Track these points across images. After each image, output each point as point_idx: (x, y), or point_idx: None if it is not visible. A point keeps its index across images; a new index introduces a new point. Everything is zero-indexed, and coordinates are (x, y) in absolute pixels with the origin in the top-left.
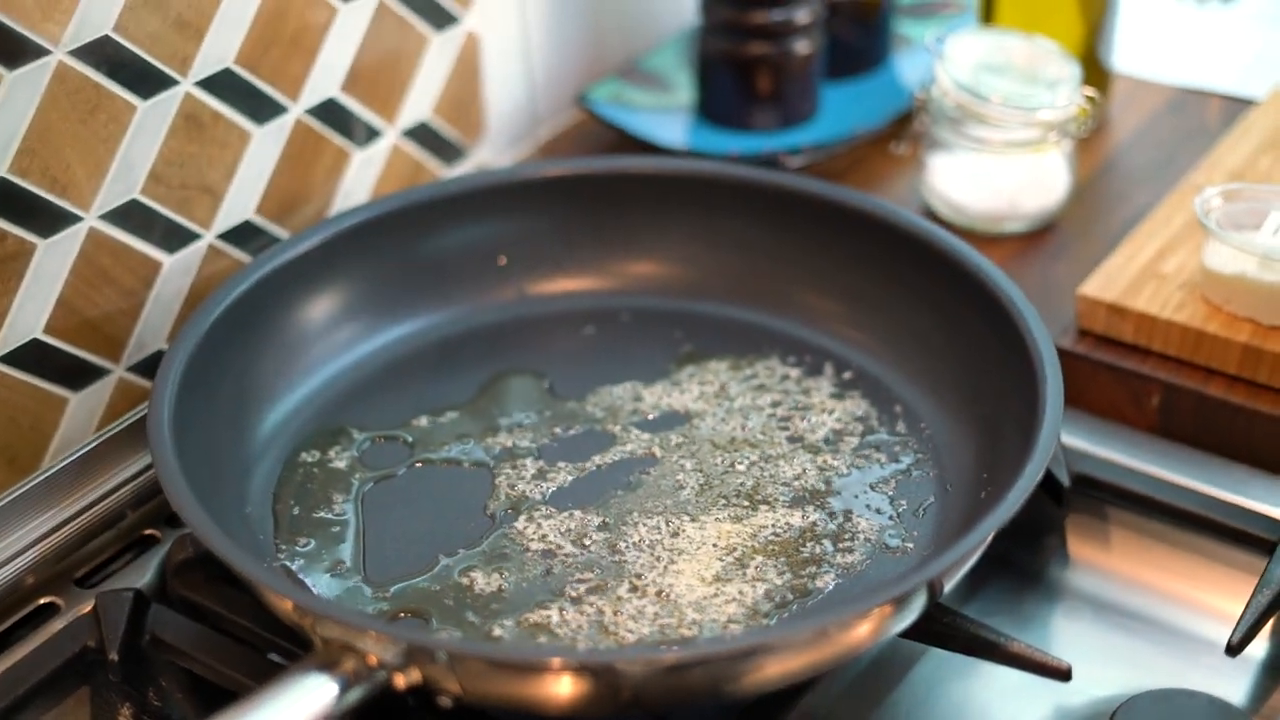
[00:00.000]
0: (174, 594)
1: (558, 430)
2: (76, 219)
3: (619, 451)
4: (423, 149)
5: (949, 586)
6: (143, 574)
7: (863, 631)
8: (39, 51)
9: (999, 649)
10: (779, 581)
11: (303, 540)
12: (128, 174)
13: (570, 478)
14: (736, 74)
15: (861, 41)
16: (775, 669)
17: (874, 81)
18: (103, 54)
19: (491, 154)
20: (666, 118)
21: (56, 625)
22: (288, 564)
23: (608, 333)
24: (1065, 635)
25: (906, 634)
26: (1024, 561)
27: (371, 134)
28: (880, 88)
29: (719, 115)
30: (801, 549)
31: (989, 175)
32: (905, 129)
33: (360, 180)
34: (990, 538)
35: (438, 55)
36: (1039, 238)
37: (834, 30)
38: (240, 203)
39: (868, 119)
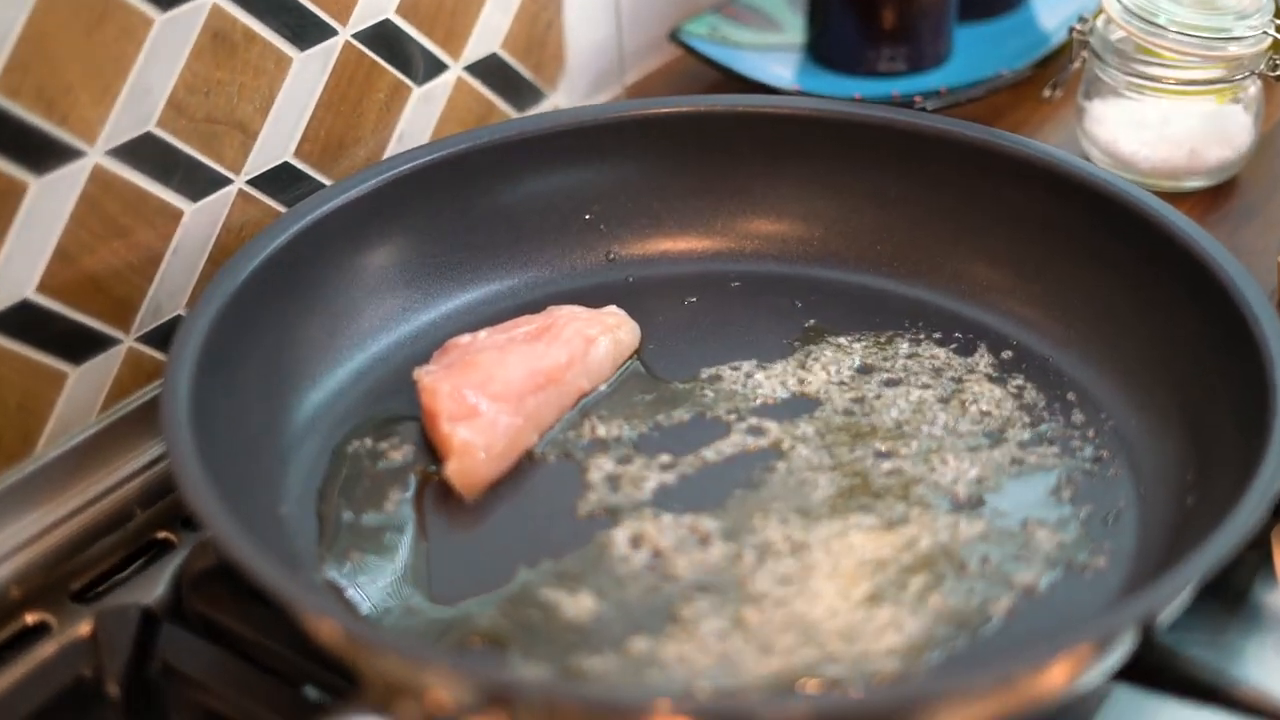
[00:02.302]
0: (190, 612)
1: (660, 418)
2: (78, 154)
3: (736, 443)
4: (491, 88)
5: (1165, 621)
6: (153, 587)
7: (1056, 677)
8: None
9: (1222, 693)
10: (944, 606)
11: (351, 548)
12: (142, 101)
13: (677, 474)
14: (857, 6)
15: None
16: None
17: (1009, 23)
18: None
19: (570, 99)
20: (773, 59)
21: (46, 649)
22: (332, 577)
23: (714, 303)
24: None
25: None
26: (1219, 577)
27: (433, 67)
28: (1018, 28)
29: (835, 56)
30: (968, 565)
31: (1163, 122)
32: (1052, 73)
33: (418, 121)
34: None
35: None
36: (1220, 195)
37: None
38: (277, 142)
39: (1008, 62)
